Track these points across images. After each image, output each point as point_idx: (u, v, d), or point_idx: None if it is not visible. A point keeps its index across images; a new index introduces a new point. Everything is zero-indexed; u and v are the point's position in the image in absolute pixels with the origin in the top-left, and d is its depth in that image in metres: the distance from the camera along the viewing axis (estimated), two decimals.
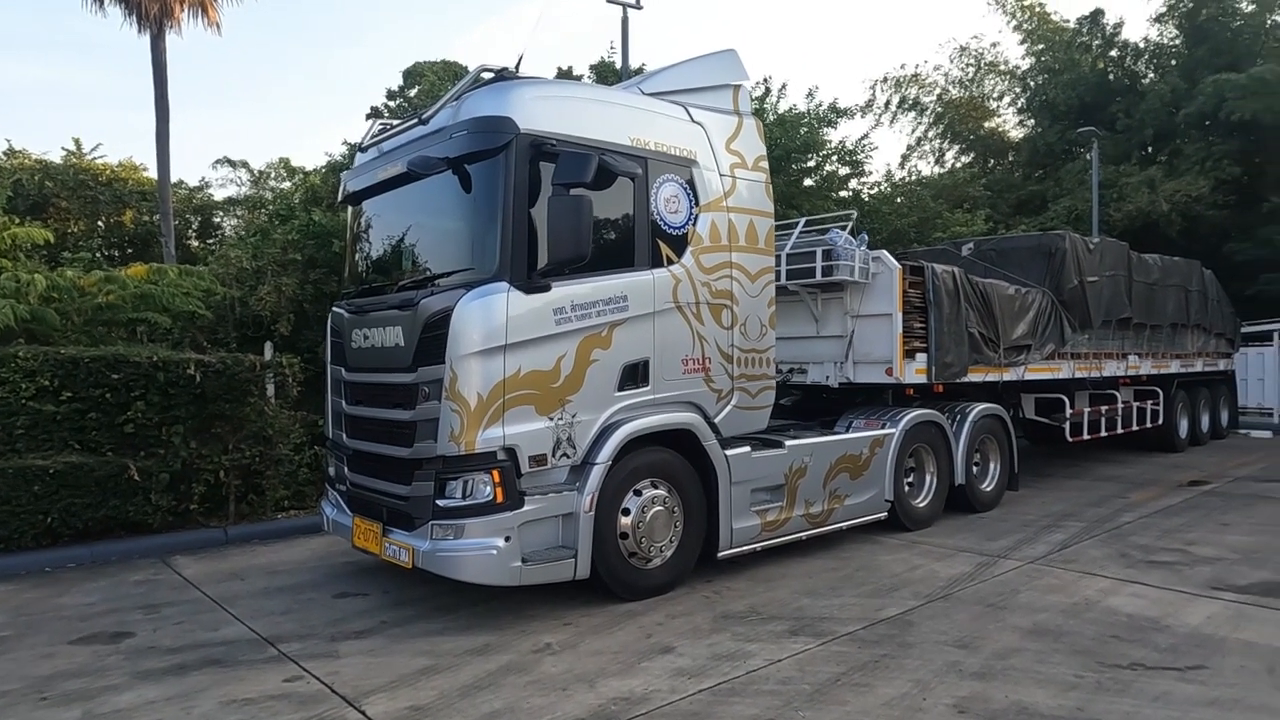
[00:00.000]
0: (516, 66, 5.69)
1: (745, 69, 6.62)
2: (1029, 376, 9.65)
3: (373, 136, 6.31)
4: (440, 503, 5.18)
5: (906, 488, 8.12)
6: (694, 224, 6.12)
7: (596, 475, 5.43)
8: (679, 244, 6.02)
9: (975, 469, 8.89)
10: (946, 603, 5.72)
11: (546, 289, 5.26)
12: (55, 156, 21.37)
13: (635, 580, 5.75)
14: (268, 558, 7.12)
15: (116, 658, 4.77)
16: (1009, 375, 9.28)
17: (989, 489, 9.02)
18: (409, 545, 5.30)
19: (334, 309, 6.52)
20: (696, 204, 6.14)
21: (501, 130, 5.19)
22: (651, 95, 6.23)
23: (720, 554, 6.19)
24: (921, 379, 8.06)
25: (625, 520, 5.66)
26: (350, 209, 6.68)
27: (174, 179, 21.48)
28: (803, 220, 8.54)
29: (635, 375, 5.73)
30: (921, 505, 8.17)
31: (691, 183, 6.13)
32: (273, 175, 26.79)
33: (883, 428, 7.76)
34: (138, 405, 7.27)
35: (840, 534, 7.42)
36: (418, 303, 5.39)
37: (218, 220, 24.57)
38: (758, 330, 6.52)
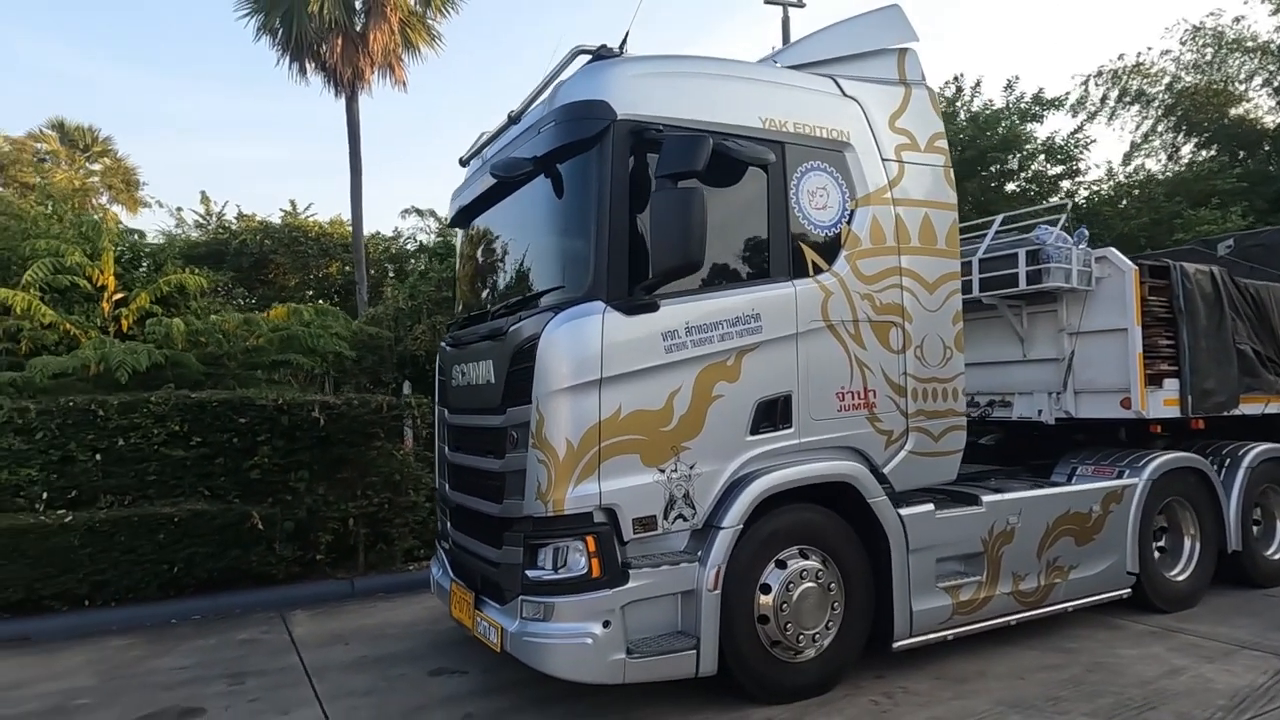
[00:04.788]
0: (621, 46, 4.73)
1: (913, 28, 5.28)
2: None
3: (474, 147, 5.61)
4: (530, 574, 4.22)
5: (1156, 555, 6.22)
6: (848, 222, 4.85)
7: (723, 542, 4.25)
8: (829, 248, 4.78)
9: (1255, 529, 6.77)
10: None
11: (653, 308, 4.20)
12: (277, 219, 23.28)
13: (779, 678, 4.48)
14: (383, 616, 6.51)
15: None
16: None
17: (1275, 556, 6.83)
18: (498, 624, 4.38)
19: (441, 343, 5.85)
20: (852, 197, 4.88)
21: (594, 116, 4.23)
22: (791, 68, 5.08)
23: (895, 644, 4.77)
24: (1172, 411, 6.16)
25: (765, 600, 4.42)
26: (460, 232, 6.02)
27: (373, 230, 22.79)
28: (999, 218, 6.93)
29: (773, 414, 4.52)
30: (1179, 579, 6.22)
31: (845, 171, 4.88)
32: None
33: (1119, 477, 5.96)
34: (263, 450, 6.98)
35: (1064, 617, 5.70)
36: (506, 331, 4.53)
37: (409, 268, 25.81)
38: (939, 354, 5.09)
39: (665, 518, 4.21)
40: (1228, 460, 6.63)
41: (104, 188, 31.11)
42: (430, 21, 21.22)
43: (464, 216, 5.65)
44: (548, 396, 4.12)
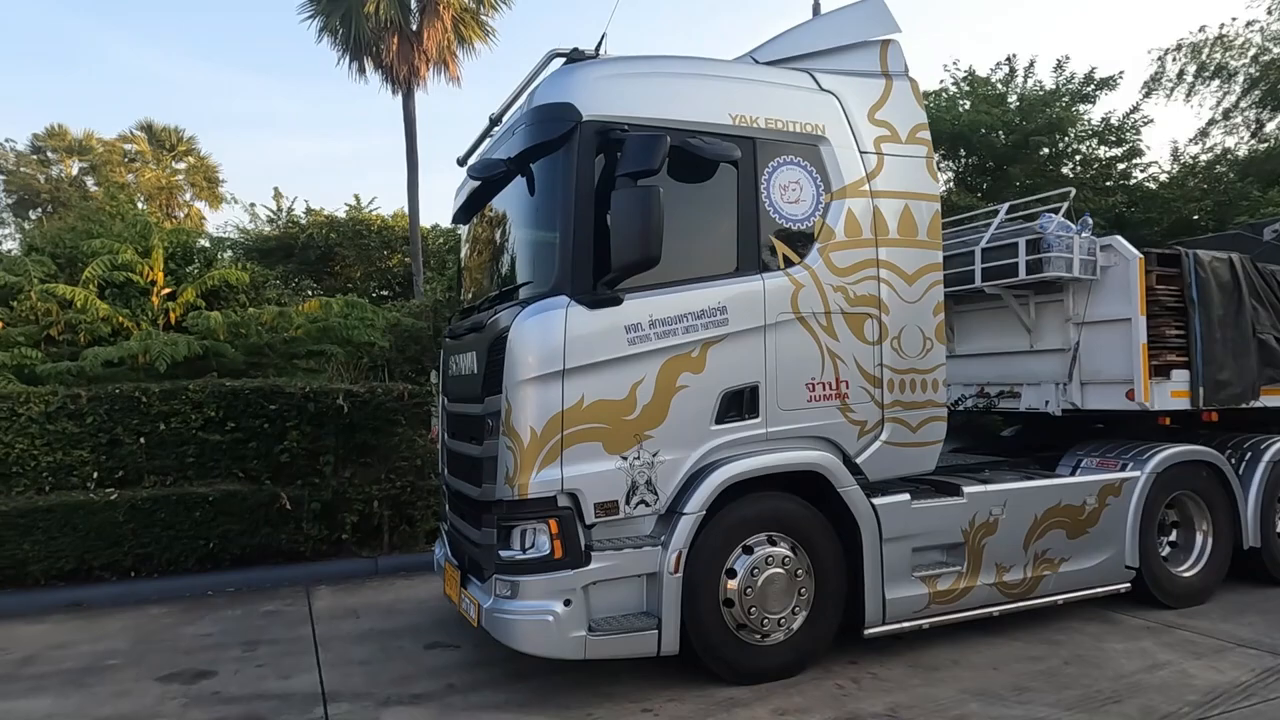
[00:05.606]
0: (597, 48, 4.89)
1: (895, 19, 5.29)
2: None
3: (470, 148, 5.86)
4: (502, 553, 4.46)
5: (1166, 550, 6.12)
6: (823, 214, 4.91)
7: (685, 528, 4.41)
8: (801, 241, 4.85)
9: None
10: None
11: (616, 302, 4.37)
12: (342, 213, 24.13)
13: (744, 660, 4.61)
14: (399, 594, 6.89)
15: (175, 703, 4.60)
16: None
17: None
18: (476, 600, 4.65)
19: (445, 336, 6.14)
20: (827, 190, 4.94)
21: (561, 118, 4.41)
22: (769, 64, 5.15)
23: (867, 631, 4.85)
24: (1181, 404, 6.02)
25: (730, 584, 4.57)
26: (462, 229, 6.29)
27: (432, 223, 23.47)
28: (1005, 206, 6.83)
29: (740, 404, 4.64)
30: (1187, 575, 6.08)
31: (820, 165, 4.94)
32: None
33: (1121, 470, 5.86)
34: (292, 435, 7.44)
35: (1058, 610, 5.67)
36: (485, 324, 4.77)
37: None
38: (918, 345, 5.11)
39: (627, 503, 4.39)
40: (1248, 454, 6.42)
41: (188, 185, 32.85)
42: (483, 17, 21.64)
43: (461, 215, 5.92)
44: (514, 386, 4.34)
